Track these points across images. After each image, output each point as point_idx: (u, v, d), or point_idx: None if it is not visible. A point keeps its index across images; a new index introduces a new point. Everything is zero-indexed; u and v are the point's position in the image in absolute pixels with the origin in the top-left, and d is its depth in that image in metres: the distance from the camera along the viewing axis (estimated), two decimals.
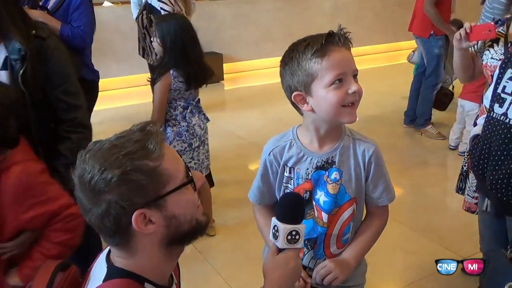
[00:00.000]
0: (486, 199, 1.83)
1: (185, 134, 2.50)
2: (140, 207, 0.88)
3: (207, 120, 2.68)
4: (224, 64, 6.79)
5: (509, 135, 1.60)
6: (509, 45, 1.99)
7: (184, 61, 2.44)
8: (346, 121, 1.27)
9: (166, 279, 1.02)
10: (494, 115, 1.68)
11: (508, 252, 1.34)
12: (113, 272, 0.95)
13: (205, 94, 6.12)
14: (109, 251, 0.99)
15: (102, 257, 1.00)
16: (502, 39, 2.02)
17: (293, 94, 1.26)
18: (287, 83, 1.27)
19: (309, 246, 1.37)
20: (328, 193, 1.32)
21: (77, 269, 1.05)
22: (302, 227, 1.08)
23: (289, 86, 1.27)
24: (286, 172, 1.36)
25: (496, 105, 1.67)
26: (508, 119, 1.61)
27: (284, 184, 1.37)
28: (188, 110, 2.51)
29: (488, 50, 2.06)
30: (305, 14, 7.52)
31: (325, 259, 1.36)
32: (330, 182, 1.32)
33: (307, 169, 1.33)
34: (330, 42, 1.20)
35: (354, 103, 1.23)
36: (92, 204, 0.88)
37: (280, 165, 1.36)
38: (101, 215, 0.88)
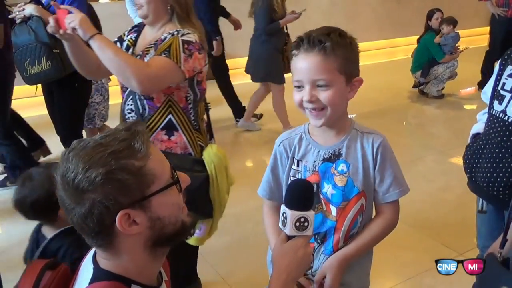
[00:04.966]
0: (480, 199, 1.83)
1: (101, 89, 3.34)
2: (125, 207, 0.86)
3: (110, 80, 3.55)
4: None
5: (507, 133, 1.58)
6: None
7: None
8: (312, 123, 1.32)
9: (154, 279, 1.00)
10: (493, 112, 1.66)
11: (499, 255, 1.33)
12: (98, 274, 0.93)
13: None
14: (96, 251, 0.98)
15: (89, 257, 0.99)
16: None
17: None
18: None
19: (319, 240, 1.36)
20: (335, 185, 1.32)
21: (67, 267, 1.03)
22: (311, 214, 1.06)
23: None
24: (294, 165, 1.37)
25: (496, 102, 1.66)
26: (507, 116, 1.59)
27: (291, 178, 1.38)
28: None
29: None
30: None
31: None
32: (337, 174, 1.32)
33: (314, 161, 1.34)
34: (298, 46, 1.24)
35: (315, 109, 1.26)
36: (75, 203, 0.86)
37: (289, 157, 1.38)
38: (84, 215, 0.86)
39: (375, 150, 1.32)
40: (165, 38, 1.77)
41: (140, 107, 1.82)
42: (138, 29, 1.97)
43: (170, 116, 1.80)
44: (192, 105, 1.85)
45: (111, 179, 0.84)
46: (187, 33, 1.77)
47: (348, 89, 1.28)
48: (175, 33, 1.76)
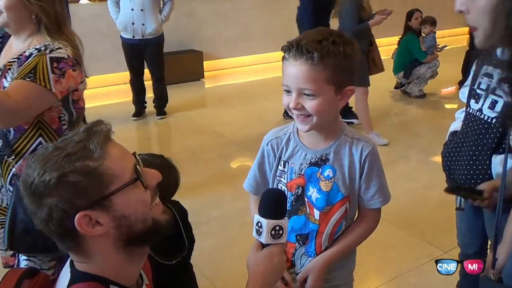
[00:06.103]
0: (458, 196, 1.86)
1: None
2: (83, 209, 0.86)
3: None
4: (204, 62, 6.75)
5: (483, 130, 1.62)
6: None
7: None
8: (298, 127, 1.31)
9: (134, 281, 0.99)
10: (470, 111, 1.70)
11: (492, 276, 1.32)
12: (76, 276, 0.92)
13: (186, 92, 6.12)
14: None
15: (67, 262, 0.98)
16: None
17: None
18: None
19: (300, 242, 1.37)
20: (320, 190, 1.32)
21: (46, 275, 1.01)
22: (285, 222, 1.08)
23: None
24: (281, 165, 1.36)
25: (472, 101, 1.69)
26: (483, 114, 1.63)
27: (277, 178, 1.37)
28: None
29: None
30: (284, 12, 7.51)
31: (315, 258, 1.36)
32: (323, 179, 1.32)
33: (301, 164, 1.33)
34: (290, 52, 1.21)
35: (302, 115, 1.24)
36: (36, 208, 0.88)
37: (276, 157, 1.37)
38: (45, 219, 0.87)
39: (363, 158, 1.32)
40: (31, 54, 1.54)
41: (3, 128, 1.59)
42: (2, 40, 1.75)
43: (40, 139, 1.57)
44: (67, 126, 1.64)
45: (64, 182, 0.85)
46: (57, 48, 1.54)
47: (339, 97, 1.24)
48: (43, 48, 1.53)
